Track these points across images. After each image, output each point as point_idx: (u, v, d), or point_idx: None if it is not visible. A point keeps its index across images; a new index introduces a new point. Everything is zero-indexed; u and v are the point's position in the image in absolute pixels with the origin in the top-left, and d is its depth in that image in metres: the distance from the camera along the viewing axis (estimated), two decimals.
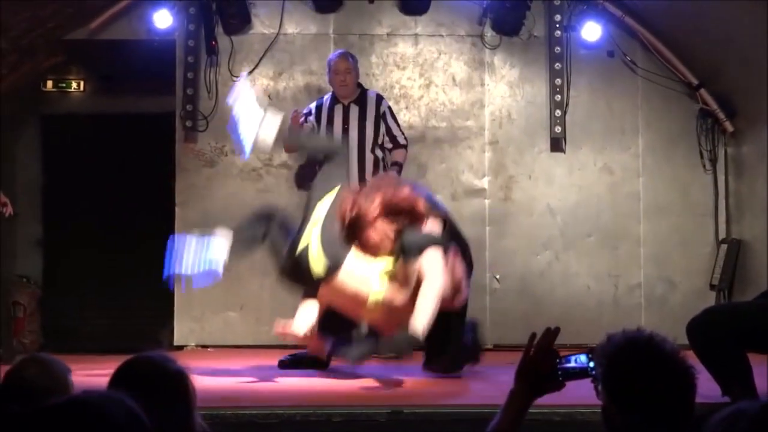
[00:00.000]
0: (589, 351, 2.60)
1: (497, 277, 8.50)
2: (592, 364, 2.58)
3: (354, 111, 7.72)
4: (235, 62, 8.51)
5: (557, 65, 8.53)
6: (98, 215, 9.09)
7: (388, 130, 7.82)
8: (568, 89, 8.56)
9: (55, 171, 9.20)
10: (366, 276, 6.06)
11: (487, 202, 8.57)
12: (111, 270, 9.05)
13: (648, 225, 8.58)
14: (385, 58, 8.58)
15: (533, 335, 2.69)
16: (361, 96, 7.79)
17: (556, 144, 8.59)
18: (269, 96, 8.48)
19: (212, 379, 6.18)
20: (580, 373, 2.63)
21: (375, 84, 8.51)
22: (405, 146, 7.90)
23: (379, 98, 7.88)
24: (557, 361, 2.64)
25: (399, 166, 7.85)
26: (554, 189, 8.59)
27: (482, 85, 8.63)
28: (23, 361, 3.21)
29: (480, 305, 8.43)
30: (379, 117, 7.78)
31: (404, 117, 8.50)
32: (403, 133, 7.89)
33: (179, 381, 2.75)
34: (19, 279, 8.94)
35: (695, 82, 8.47)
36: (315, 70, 8.52)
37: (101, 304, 9.06)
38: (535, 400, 2.67)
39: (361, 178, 7.59)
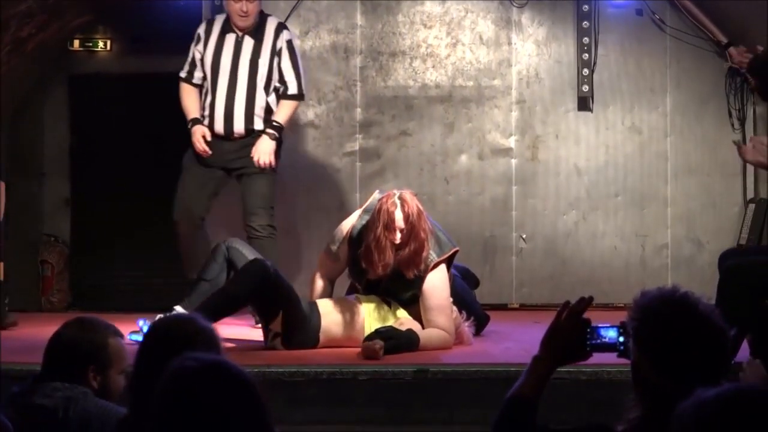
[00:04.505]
0: (621, 325, 2.59)
1: (523, 236, 8.48)
2: (621, 339, 2.58)
3: (248, 44, 6.48)
4: None
5: (585, 24, 8.46)
6: (125, 175, 9.11)
7: (280, 72, 6.46)
8: (596, 48, 8.49)
9: (82, 130, 9.21)
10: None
11: (513, 161, 8.53)
12: (138, 229, 9.08)
13: (676, 185, 8.53)
14: (411, 16, 8.52)
15: (567, 303, 2.68)
16: (260, 26, 6.51)
17: (584, 103, 8.54)
18: None
19: (239, 338, 6.22)
20: (609, 347, 2.62)
21: (401, 43, 8.47)
22: (295, 97, 6.54)
23: (280, 28, 6.56)
24: (587, 330, 2.64)
25: (276, 130, 6.39)
26: (581, 149, 8.54)
27: (509, 44, 8.57)
28: (67, 322, 3.36)
29: (506, 265, 8.43)
30: (275, 53, 6.47)
31: (431, 76, 8.46)
32: (298, 79, 6.49)
33: (211, 337, 2.83)
34: (47, 238, 8.99)
35: (724, 40, 8.38)
36: (341, 29, 8.47)
37: (129, 264, 9.10)
38: (558, 368, 2.67)
39: (248, 128, 6.47)
